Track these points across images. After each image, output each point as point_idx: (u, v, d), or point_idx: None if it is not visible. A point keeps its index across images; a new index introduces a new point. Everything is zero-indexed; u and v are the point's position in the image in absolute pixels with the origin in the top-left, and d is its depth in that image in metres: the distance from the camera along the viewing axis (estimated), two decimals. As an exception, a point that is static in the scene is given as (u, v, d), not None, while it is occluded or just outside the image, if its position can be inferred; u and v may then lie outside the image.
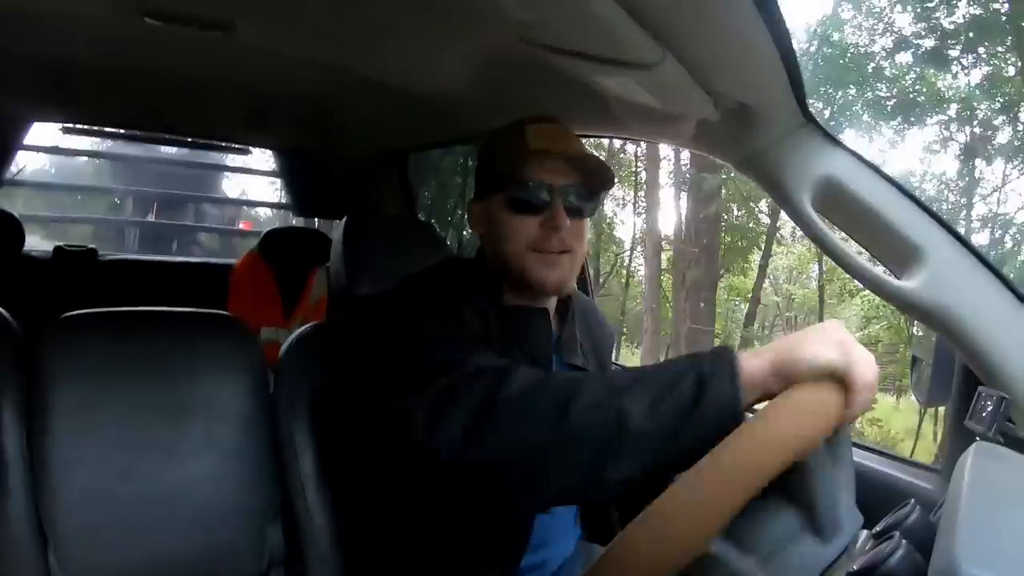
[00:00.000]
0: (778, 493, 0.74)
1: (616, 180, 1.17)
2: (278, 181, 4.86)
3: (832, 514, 0.75)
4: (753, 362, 0.78)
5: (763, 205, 8.70)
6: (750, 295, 8.99)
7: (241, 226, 6.59)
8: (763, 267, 8.24)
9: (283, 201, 3.86)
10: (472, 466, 0.84)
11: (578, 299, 1.28)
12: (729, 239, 8.94)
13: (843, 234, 1.12)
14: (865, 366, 0.74)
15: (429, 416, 0.86)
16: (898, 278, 1.02)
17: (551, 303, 1.18)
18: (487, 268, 1.15)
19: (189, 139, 2.93)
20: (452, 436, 0.84)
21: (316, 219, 3.50)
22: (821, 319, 8.52)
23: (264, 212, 8.77)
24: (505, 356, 1.00)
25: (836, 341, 0.76)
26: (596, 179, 1.10)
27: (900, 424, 6.78)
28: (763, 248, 8.50)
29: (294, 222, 3.88)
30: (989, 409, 0.95)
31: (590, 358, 1.26)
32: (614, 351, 1.59)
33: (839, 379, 0.74)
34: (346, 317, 1.43)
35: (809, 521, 0.75)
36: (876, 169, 1.04)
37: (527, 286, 1.11)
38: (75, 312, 1.33)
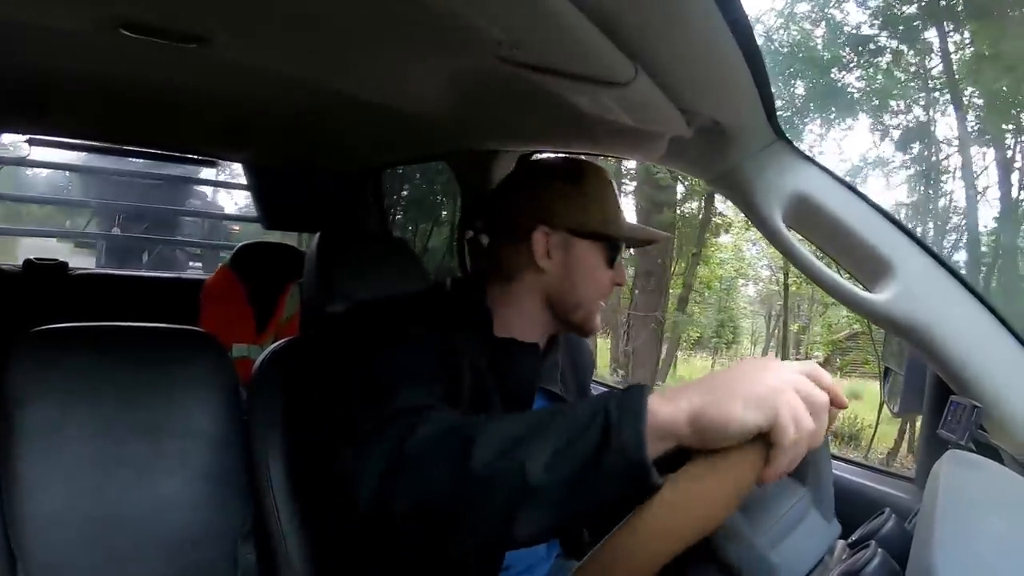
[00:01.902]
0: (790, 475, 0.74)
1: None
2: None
3: (831, 495, 0.82)
4: (666, 409, 0.71)
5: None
6: (713, 283, 9.32)
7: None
8: (695, 255, 8.43)
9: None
10: (386, 517, 0.81)
11: None
12: (681, 226, 9.15)
13: (815, 248, 1.14)
14: (792, 425, 0.67)
15: (351, 464, 0.85)
16: (869, 291, 1.03)
17: (544, 337, 1.18)
18: (481, 295, 1.15)
19: (162, 152, 2.89)
20: (369, 485, 0.81)
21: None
22: (786, 306, 8.71)
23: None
24: (484, 387, 1.04)
25: (763, 396, 0.68)
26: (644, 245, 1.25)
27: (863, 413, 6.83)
28: (697, 237, 8.68)
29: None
30: (961, 418, 0.96)
31: (570, 384, 1.28)
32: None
33: (763, 437, 0.68)
34: (319, 333, 1.41)
35: (816, 500, 0.81)
36: (847, 184, 1.06)
37: (582, 331, 1.17)
38: (45, 327, 1.30)
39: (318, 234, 1.49)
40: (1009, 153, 6.52)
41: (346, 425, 0.91)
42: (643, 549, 0.70)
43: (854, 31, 7.34)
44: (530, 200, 1.13)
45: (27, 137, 2.68)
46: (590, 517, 0.73)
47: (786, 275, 8.49)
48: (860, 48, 7.20)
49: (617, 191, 1.19)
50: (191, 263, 7.01)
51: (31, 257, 2.65)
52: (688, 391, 0.72)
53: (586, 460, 0.71)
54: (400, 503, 0.80)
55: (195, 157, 2.88)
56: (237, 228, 6.68)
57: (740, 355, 10.12)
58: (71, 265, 2.71)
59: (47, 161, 3.93)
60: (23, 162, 3.09)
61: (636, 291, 8.16)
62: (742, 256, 9.58)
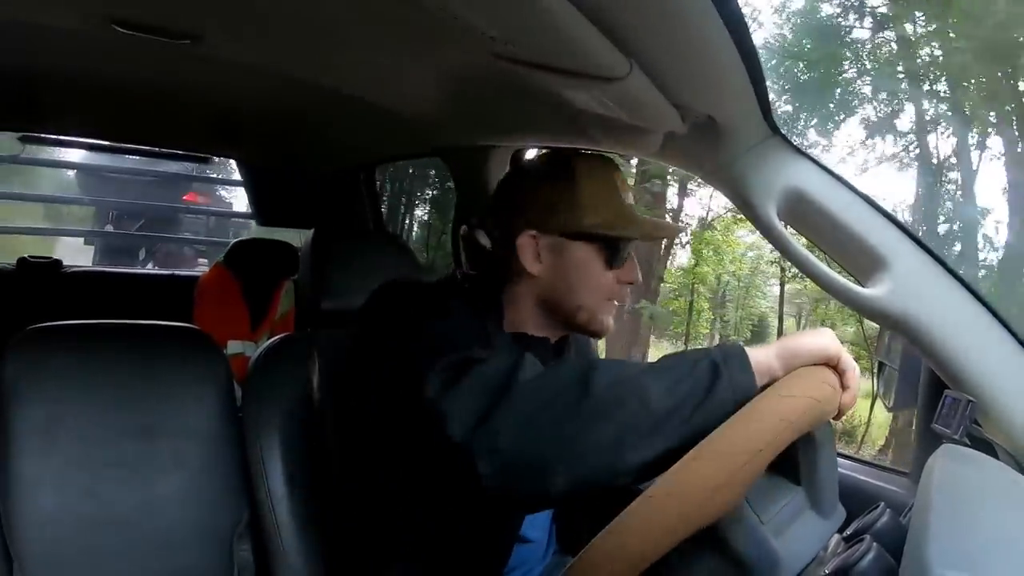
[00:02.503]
0: (787, 473, 0.83)
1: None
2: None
3: (831, 493, 0.84)
4: (759, 352, 0.84)
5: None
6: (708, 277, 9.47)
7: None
8: (667, 247, 8.53)
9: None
10: (487, 453, 0.80)
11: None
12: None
13: (809, 243, 1.14)
14: (849, 356, 0.84)
15: (435, 407, 0.84)
16: (863, 286, 1.03)
17: (554, 336, 1.17)
18: (496, 291, 1.13)
19: (155, 149, 2.88)
20: (464, 423, 0.82)
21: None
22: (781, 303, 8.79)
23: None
24: None
25: (828, 335, 0.85)
26: (661, 237, 1.17)
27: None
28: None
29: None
30: (956, 412, 0.97)
31: None
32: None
33: (833, 365, 0.83)
34: (318, 328, 1.41)
35: (812, 498, 0.84)
36: (841, 180, 1.06)
37: (588, 332, 1.14)
38: (38, 325, 1.30)
39: (312, 231, 1.48)
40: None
41: (405, 385, 0.89)
42: (635, 542, 0.72)
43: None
44: (517, 205, 1.11)
45: (20, 135, 2.67)
46: (691, 447, 0.76)
47: (783, 271, 8.56)
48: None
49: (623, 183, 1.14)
50: (199, 260, 6.92)
51: (25, 255, 2.65)
52: (771, 344, 0.86)
53: (701, 390, 0.80)
54: (504, 438, 0.80)
55: (188, 154, 2.87)
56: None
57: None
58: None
59: (42, 159, 3.91)
60: (16, 160, 3.07)
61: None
62: (761, 254, 9.55)
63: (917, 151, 7.21)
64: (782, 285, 8.80)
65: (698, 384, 0.80)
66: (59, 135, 2.64)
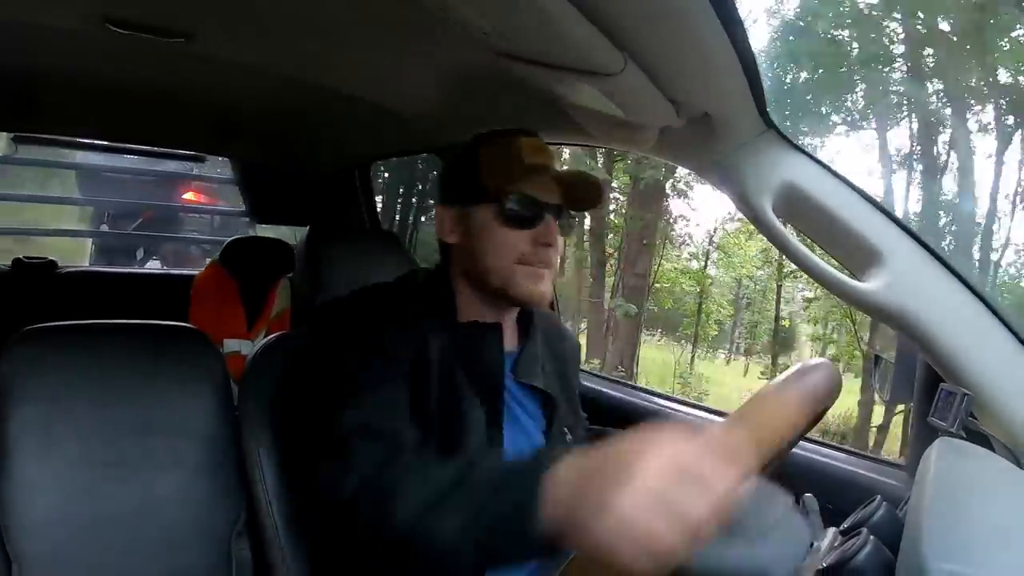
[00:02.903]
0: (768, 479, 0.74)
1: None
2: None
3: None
4: (554, 504, 0.71)
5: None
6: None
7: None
8: (651, 245, 8.66)
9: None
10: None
11: (540, 314, 1.28)
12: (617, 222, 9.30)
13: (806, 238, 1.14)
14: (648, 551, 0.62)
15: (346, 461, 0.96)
16: (859, 280, 1.04)
17: (509, 318, 1.19)
18: (446, 281, 1.16)
19: (149, 148, 2.87)
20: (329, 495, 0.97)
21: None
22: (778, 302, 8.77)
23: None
24: (452, 375, 1.07)
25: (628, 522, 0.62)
26: (586, 200, 1.14)
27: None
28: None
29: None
30: (952, 405, 0.97)
31: (552, 376, 1.25)
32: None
33: None
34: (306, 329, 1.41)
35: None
36: (836, 174, 1.07)
37: (509, 299, 1.12)
38: (34, 326, 1.30)
39: (307, 228, 1.48)
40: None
41: (316, 429, 1.03)
42: None
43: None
44: (436, 184, 1.19)
45: (13, 135, 2.66)
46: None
47: (780, 269, 8.60)
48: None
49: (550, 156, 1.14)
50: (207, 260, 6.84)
51: (20, 256, 2.64)
52: (591, 477, 0.68)
53: (498, 528, 0.77)
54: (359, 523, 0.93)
55: (183, 153, 2.86)
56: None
57: (798, 357, 10.01)
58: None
59: (35, 159, 3.89)
60: (8, 160, 3.06)
61: (593, 281, 8.49)
62: (770, 258, 9.55)
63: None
64: (779, 288, 8.84)
65: (497, 521, 0.77)
66: (56, 135, 2.63)
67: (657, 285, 9.16)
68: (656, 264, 8.91)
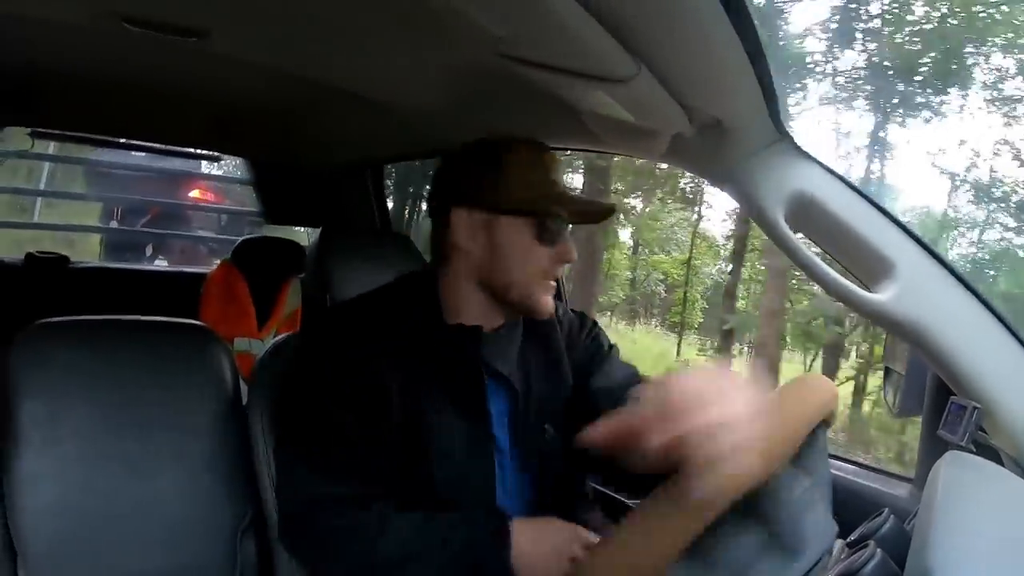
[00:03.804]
0: (739, 513, 0.70)
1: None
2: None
3: (796, 528, 0.73)
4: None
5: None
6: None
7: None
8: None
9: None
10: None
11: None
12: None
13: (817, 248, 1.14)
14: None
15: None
16: (870, 291, 1.03)
17: (497, 321, 1.17)
18: (431, 287, 1.16)
19: (161, 146, 2.89)
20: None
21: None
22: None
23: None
24: (432, 380, 1.10)
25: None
26: (593, 220, 1.18)
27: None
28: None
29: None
30: (961, 419, 0.96)
31: (537, 367, 1.21)
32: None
33: None
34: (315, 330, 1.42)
35: (773, 538, 0.73)
36: (848, 183, 1.06)
37: (523, 310, 1.14)
38: (45, 320, 1.30)
39: (319, 229, 1.49)
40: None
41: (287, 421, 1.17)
42: None
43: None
44: (449, 183, 1.16)
45: (30, 130, 2.68)
46: None
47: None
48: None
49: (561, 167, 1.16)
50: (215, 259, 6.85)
51: (32, 251, 2.66)
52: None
53: None
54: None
55: (194, 151, 2.87)
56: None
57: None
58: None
59: (48, 154, 3.92)
60: (24, 155, 3.08)
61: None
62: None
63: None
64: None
65: None
66: (68, 131, 2.65)
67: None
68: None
